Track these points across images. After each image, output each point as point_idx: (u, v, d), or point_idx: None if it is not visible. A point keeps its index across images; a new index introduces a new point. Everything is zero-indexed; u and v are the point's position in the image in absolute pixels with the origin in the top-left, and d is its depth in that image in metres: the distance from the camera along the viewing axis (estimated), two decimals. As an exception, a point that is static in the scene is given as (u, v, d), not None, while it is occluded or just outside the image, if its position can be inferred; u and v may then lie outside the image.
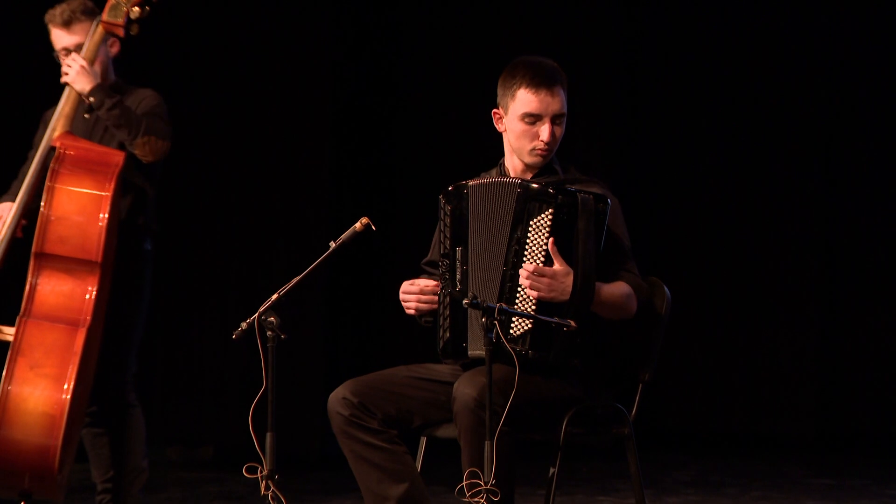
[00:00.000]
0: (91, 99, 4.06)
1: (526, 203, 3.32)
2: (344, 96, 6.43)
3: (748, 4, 6.72)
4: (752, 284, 6.77)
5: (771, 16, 6.67)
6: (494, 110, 3.49)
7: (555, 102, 3.41)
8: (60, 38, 4.15)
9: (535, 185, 3.34)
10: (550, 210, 3.30)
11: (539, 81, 3.40)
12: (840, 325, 6.69)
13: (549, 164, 3.47)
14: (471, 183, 3.41)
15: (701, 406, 6.82)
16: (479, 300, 3.13)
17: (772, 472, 5.99)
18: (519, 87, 3.41)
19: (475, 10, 6.63)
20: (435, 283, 3.45)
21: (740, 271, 6.78)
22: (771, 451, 6.53)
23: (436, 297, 3.42)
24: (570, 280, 3.28)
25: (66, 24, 4.13)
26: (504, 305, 3.17)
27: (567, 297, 3.28)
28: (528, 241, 3.31)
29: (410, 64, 6.51)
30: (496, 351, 3.15)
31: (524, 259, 3.31)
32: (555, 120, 3.42)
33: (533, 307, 3.30)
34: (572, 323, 3.22)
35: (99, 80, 4.08)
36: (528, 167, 3.48)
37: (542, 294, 3.27)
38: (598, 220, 3.32)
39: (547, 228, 3.30)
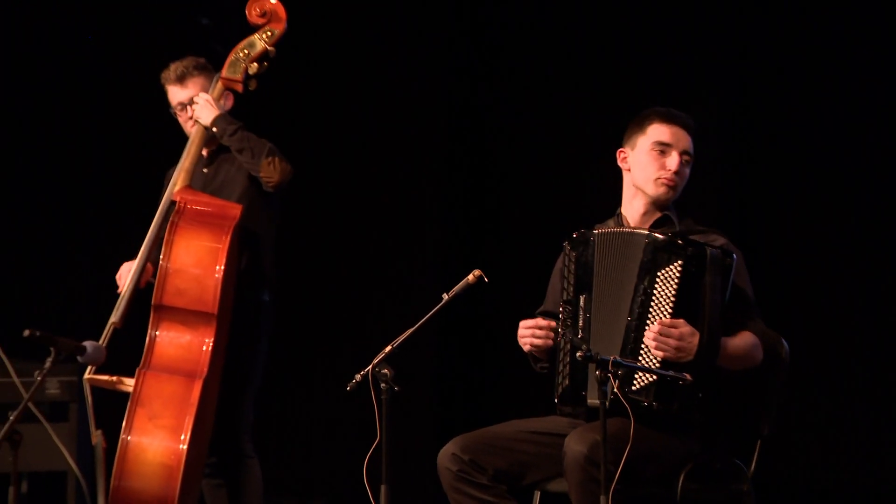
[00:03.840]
0: (214, 129, 4.18)
1: (654, 254, 3.29)
2: (455, 144, 6.45)
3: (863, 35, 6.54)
4: (877, 330, 6.56)
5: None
6: (619, 150, 3.52)
7: (685, 138, 3.47)
8: (176, 93, 4.29)
9: (662, 237, 3.31)
10: (679, 262, 3.27)
11: (673, 117, 3.48)
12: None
13: (665, 216, 3.44)
14: (596, 230, 3.40)
15: (824, 461, 6.63)
16: (592, 353, 3.09)
17: (899, 531, 5.80)
18: (652, 122, 3.47)
19: (592, 57, 6.61)
20: (548, 322, 3.43)
21: (863, 317, 6.58)
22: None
23: (551, 333, 3.40)
24: (696, 340, 3.24)
25: (181, 80, 4.28)
26: (618, 358, 3.13)
27: (692, 357, 3.23)
28: (654, 292, 3.27)
29: (525, 112, 6.51)
30: (613, 404, 3.11)
31: (650, 311, 3.28)
32: (683, 155, 3.45)
33: (657, 362, 3.25)
34: (687, 376, 3.17)
35: (222, 112, 4.19)
36: (647, 212, 3.45)
37: (668, 355, 3.23)
38: (725, 274, 3.29)
39: (675, 281, 3.26)
